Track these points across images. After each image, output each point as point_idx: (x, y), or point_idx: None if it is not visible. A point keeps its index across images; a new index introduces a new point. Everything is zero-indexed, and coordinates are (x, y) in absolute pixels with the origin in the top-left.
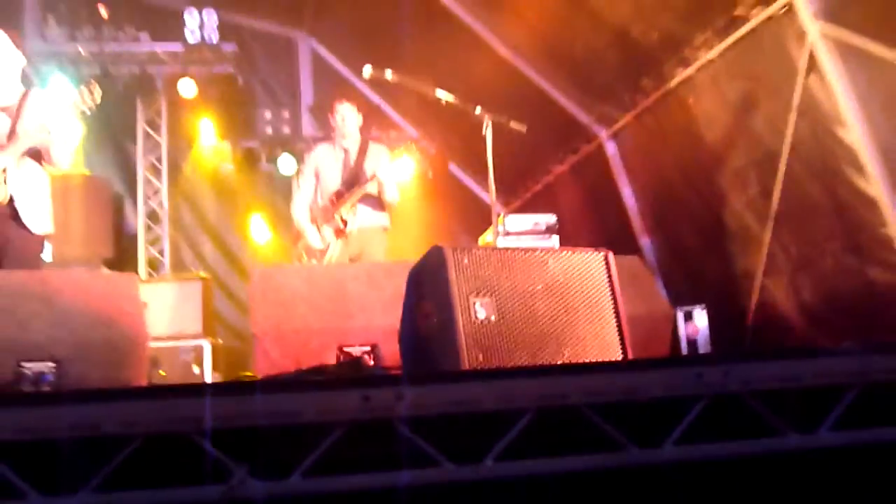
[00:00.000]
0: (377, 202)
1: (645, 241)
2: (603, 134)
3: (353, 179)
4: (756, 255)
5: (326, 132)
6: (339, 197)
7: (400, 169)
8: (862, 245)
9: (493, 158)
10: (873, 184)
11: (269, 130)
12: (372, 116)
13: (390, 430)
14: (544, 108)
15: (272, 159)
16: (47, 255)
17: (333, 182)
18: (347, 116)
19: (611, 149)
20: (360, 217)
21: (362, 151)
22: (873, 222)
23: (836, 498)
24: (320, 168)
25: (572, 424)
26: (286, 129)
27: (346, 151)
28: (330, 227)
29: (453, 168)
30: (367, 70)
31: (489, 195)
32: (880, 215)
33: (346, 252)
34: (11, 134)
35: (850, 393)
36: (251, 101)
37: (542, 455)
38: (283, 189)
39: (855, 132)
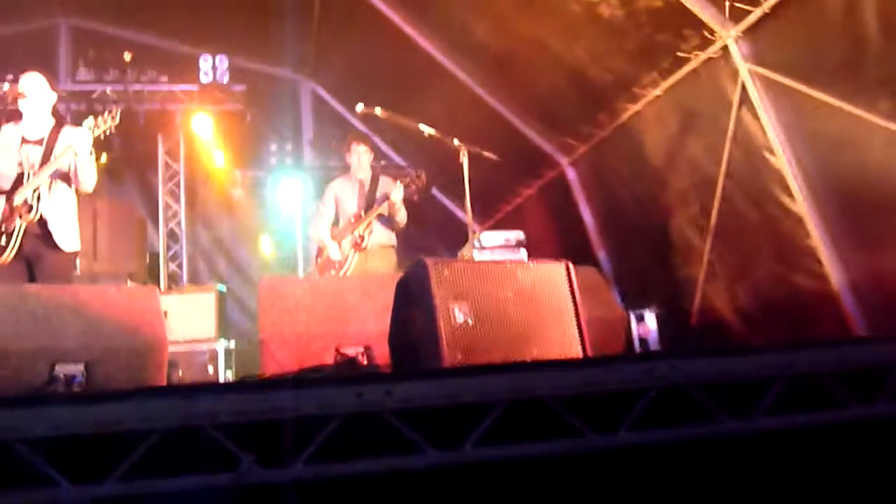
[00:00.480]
0: (388, 223)
1: (601, 254)
2: (564, 161)
3: (368, 204)
4: (697, 265)
5: (323, 162)
6: (358, 218)
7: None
8: (789, 255)
9: (469, 183)
10: (798, 202)
11: (273, 161)
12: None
13: (381, 422)
14: (513, 139)
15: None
16: (77, 269)
17: (352, 207)
18: (362, 155)
19: (571, 174)
20: (374, 235)
21: (374, 180)
22: (799, 235)
23: (768, 476)
24: (339, 197)
25: (539, 414)
26: (289, 160)
27: (360, 182)
28: (348, 243)
29: (435, 192)
30: (360, 107)
31: (466, 215)
32: (805, 229)
33: (362, 265)
34: (44, 161)
35: (779, 384)
36: (258, 134)
37: (513, 441)
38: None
39: (782, 158)
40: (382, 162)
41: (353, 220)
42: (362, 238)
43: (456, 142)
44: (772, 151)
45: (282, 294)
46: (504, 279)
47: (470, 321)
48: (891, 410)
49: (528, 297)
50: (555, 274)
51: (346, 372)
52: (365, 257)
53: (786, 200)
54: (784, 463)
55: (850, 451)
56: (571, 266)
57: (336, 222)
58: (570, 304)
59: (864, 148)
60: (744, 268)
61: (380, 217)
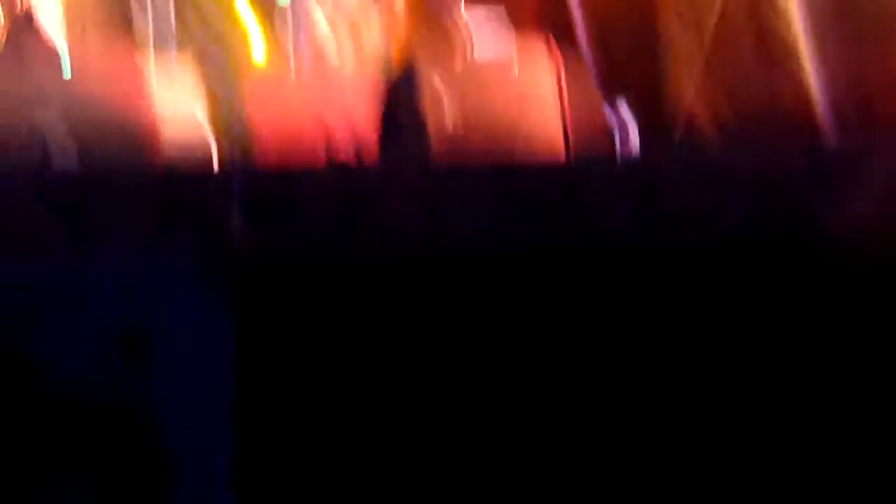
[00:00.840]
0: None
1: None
2: None
3: None
4: (684, 94)
5: None
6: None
7: None
8: (777, 84)
9: None
10: (794, 26)
11: None
12: None
13: None
14: None
15: None
16: None
17: None
18: None
19: None
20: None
21: None
22: (787, 62)
23: None
24: None
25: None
26: None
27: None
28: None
29: None
30: None
31: None
32: (795, 56)
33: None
34: None
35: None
36: None
37: None
38: None
39: None
40: None
41: None
42: None
43: None
44: None
45: None
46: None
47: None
48: None
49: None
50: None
51: None
52: None
53: (779, 25)
54: None
55: None
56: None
57: None
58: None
59: None
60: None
61: None
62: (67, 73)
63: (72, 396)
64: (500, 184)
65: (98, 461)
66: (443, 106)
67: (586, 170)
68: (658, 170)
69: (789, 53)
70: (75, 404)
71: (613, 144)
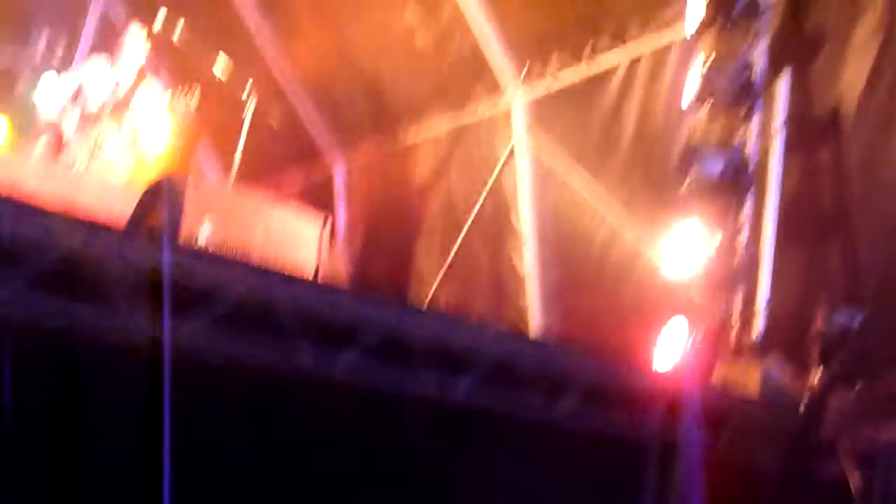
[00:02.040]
0: (138, 130)
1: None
2: (337, 165)
3: (123, 100)
4: (423, 297)
5: None
6: (98, 117)
7: (162, 114)
8: (503, 309)
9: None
10: (526, 266)
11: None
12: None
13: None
14: (294, 126)
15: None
16: None
17: (97, 101)
18: (135, 38)
19: (339, 179)
20: (117, 137)
21: (138, 80)
22: (516, 294)
23: None
24: (85, 83)
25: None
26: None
27: (117, 83)
28: (84, 135)
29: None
30: (161, 15)
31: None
32: (523, 291)
33: (92, 164)
34: None
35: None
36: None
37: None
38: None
39: (524, 225)
40: None
41: (94, 114)
42: (101, 142)
43: (245, 95)
44: (517, 215)
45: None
46: (259, 215)
47: (210, 246)
48: (565, 421)
49: (276, 242)
50: (310, 227)
51: None
52: (95, 154)
53: (516, 261)
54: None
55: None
56: (330, 220)
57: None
58: (314, 262)
59: (590, 233)
60: (462, 308)
61: (131, 120)
62: None
63: None
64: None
65: None
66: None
67: None
68: None
69: (518, 284)
70: None
71: None
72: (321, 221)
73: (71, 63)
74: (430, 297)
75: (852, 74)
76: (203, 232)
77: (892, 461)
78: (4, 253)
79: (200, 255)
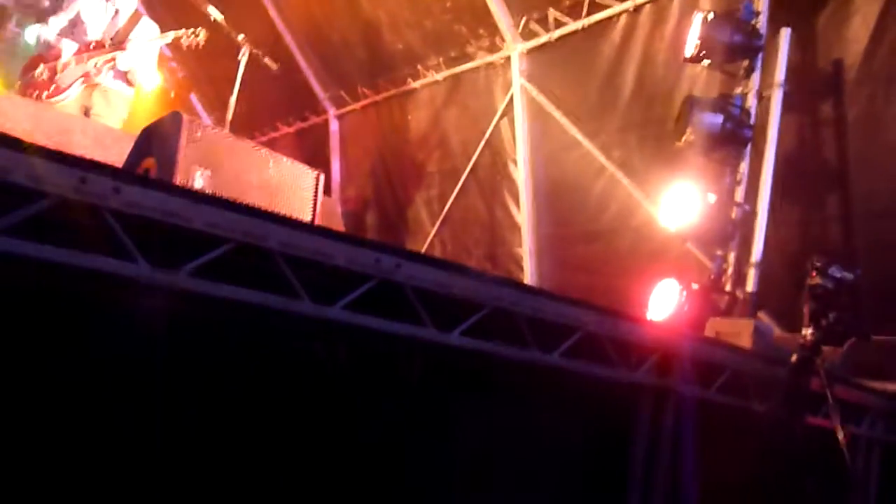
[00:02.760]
0: (133, 69)
1: (338, 209)
2: (332, 112)
3: (120, 37)
4: (421, 242)
5: None
6: (99, 46)
7: (154, 51)
8: (498, 256)
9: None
10: (522, 214)
11: None
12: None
13: (100, 218)
14: (289, 72)
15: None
16: None
17: (95, 31)
18: None
19: (334, 126)
20: (111, 76)
21: (136, 16)
22: (512, 242)
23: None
24: (83, 12)
25: (264, 266)
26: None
27: (117, 11)
28: (78, 70)
29: (193, 98)
30: None
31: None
32: (519, 239)
33: (85, 103)
34: None
35: (483, 311)
36: None
37: (228, 282)
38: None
39: (521, 172)
40: None
41: (92, 46)
42: (99, 70)
43: (241, 37)
44: (515, 163)
45: (1, 111)
46: (255, 163)
47: (207, 191)
48: (561, 364)
49: (270, 191)
50: (304, 179)
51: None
52: (91, 96)
53: (512, 209)
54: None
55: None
56: (322, 176)
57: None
58: (309, 213)
59: (587, 184)
60: (457, 256)
61: (127, 58)
62: None
63: None
64: None
65: None
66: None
67: None
68: None
69: (514, 233)
70: None
71: None
72: (316, 173)
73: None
74: (426, 245)
75: (855, 30)
76: (198, 176)
77: (878, 414)
78: None
79: (197, 198)
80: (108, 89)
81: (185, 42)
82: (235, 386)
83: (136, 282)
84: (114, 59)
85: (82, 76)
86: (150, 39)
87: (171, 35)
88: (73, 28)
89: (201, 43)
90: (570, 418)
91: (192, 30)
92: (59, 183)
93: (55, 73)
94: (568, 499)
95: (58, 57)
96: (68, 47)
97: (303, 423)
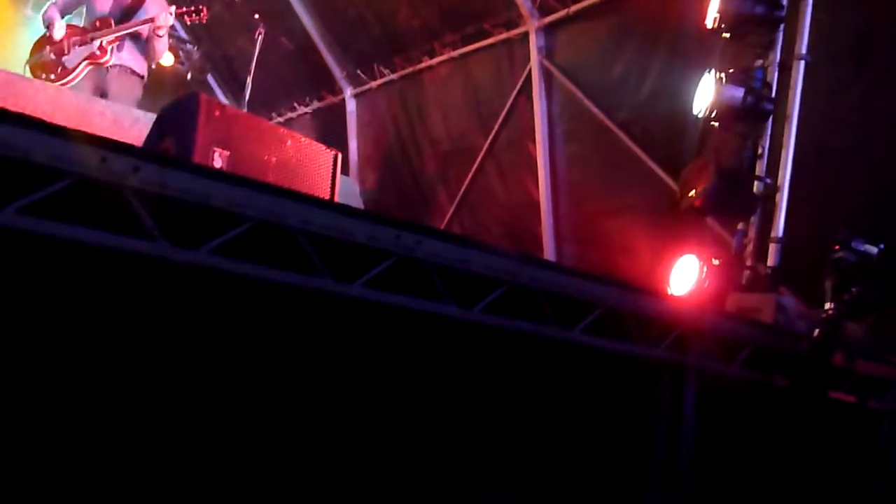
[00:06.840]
0: (143, 48)
1: (358, 188)
2: (349, 91)
3: (125, 14)
4: (440, 221)
5: None
6: (105, 24)
7: (162, 30)
8: (518, 236)
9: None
10: (541, 193)
11: None
12: None
13: (118, 197)
14: (305, 51)
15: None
16: None
17: (102, 6)
18: None
19: (351, 106)
20: (121, 54)
21: None
22: (531, 220)
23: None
24: None
25: (285, 245)
26: None
27: None
28: (84, 51)
29: (210, 79)
30: None
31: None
32: (538, 217)
33: (94, 83)
34: None
35: (504, 287)
36: None
37: (251, 261)
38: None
39: (540, 149)
40: None
41: (98, 24)
42: (104, 51)
43: (256, 16)
44: (533, 141)
45: (18, 91)
46: (273, 142)
47: (226, 171)
48: (582, 340)
49: (289, 170)
50: (322, 158)
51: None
52: (100, 75)
53: (531, 188)
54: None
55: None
56: (340, 156)
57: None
58: (327, 192)
59: (607, 161)
60: (477, 235)
61: (135, 37)
62: None
63: None
64: None
65: None
66: None
67: None
68: None
69: (533, 211)
70: None
71: None
72: (334, 153)
73: None
74: (445, 223)
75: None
76: (216, 156)
77: None
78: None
79: (217, 176)
80: (117, 69)
81: (187, 20)
82: (253, 362)
83: (156, 260)
84: (119, 38)
85: (87, 57)
86: (154, 17)
87: (172, 12)
88: (80, 7)
89: (203, 20)
90: (591, 395)
91: (192, 7)
92: (80, 162)
93: (61, 55)
94: (588, 476)
95: (62, 38)
96: (59, 28)
97: (322, 400)
